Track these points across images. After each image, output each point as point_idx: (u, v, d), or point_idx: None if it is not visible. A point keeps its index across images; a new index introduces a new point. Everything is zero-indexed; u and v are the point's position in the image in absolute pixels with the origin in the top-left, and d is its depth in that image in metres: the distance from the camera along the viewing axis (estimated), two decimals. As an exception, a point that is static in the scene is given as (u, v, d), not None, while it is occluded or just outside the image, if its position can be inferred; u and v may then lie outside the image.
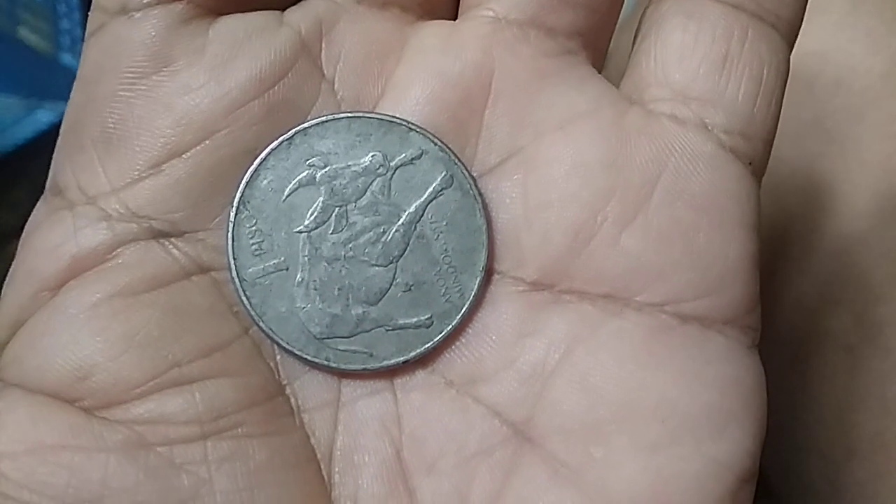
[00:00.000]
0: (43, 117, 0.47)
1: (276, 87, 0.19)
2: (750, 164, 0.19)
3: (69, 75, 0.42)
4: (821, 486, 0.28)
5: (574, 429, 0.18)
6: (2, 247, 0.42)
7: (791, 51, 0.20)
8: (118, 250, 0.18)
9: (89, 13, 0.19)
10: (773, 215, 0.30)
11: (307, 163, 0.19)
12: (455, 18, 0.20)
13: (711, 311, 0.19)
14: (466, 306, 0.19)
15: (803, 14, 0.20)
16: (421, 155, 0.19)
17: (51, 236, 0.18)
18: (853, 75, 0.30)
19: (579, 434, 0.18)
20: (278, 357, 0.19)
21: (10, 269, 0.19)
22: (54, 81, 0.49)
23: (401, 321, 0.19)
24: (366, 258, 0.19)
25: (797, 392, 0.29)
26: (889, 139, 0.29)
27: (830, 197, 0.29)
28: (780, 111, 0.19)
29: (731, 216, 0.19)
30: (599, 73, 0.20)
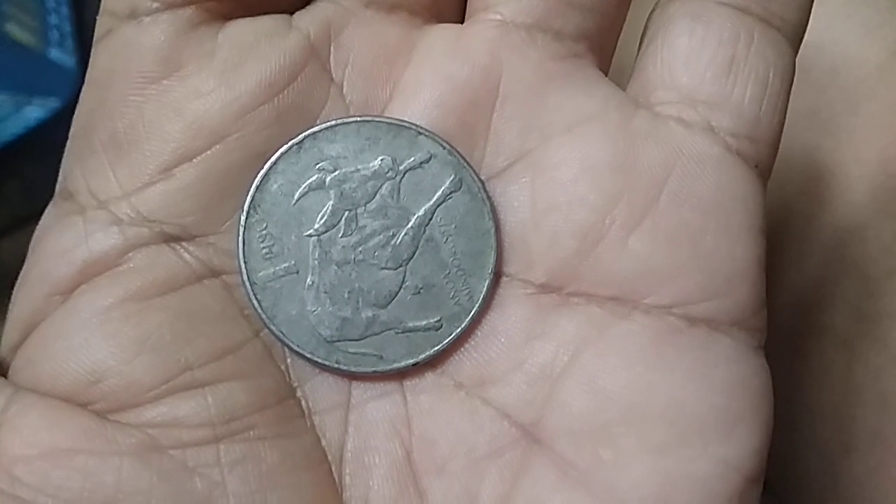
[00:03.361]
0: (32, 113, 0.47)
1: (285, 92, 0.19)
2: (756, 166, 0.19)
3: (58, 71, 0.41)
4: (819, 481, 0.28)
5: (583, 430, 0.18)
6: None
7: (796, 54, 0.20)
8: (129, 254, 0.18)
9: (98, 17, 0.19)
10: (767, 208, 0.30)
11: (317, 167, 0.19)
12: (462, 22, 0.20)
13: (719, 313, 0.19)
14: (475, 309, 0.19)
15: (808, 17, 0.20)
16: (430, 158, 0.19)
17: (62, 240, 0.18)
18: (849, 66, 0.30)
19: (588, 436, 0.18)
20: (289, 360, 0.19)
21: (21, 272, 0.19)
22: (43, 77, 0.48)
23: (410, 324, 0.19)
24: (375, 261, 0.19)
25: (794, 387, 0.29)
26: (885, 130, 0.29)
27: (826, 189, 0.29)
28: (785, 114, 0.19)
29: (738, 219, 0.19)
30: (606, 76, 0.20)
